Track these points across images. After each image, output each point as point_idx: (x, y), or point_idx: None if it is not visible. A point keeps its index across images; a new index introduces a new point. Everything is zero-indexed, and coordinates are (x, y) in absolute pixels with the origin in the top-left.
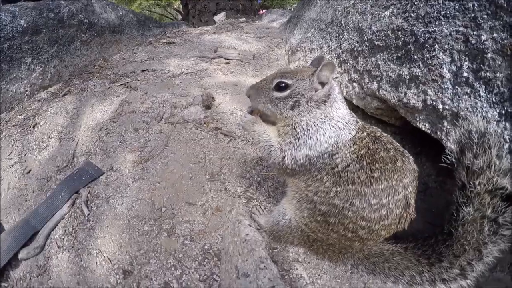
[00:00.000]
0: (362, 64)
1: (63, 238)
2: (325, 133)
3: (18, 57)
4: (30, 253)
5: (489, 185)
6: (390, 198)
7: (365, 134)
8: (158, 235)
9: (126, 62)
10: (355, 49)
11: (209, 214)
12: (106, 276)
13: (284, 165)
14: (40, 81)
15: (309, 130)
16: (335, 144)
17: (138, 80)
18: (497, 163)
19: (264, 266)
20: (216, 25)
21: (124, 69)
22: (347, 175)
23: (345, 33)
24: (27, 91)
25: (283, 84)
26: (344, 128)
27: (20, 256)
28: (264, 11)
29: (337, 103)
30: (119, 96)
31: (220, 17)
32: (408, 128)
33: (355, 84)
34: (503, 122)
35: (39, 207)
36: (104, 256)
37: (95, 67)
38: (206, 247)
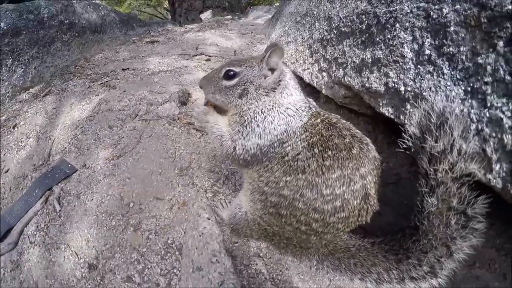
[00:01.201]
0: (330, 53)
1: (35, 234)
2: (273, 120)
3: None
4: (4, 249)
5: (453, 171)
6: (344, 188)
7: (318, 120)
8: (125, 230)
9: (108, 61)
10: (324, 38)
11: (175, 208)
12: (72, 270)
13: (236, 155)
14: (21, 82)
15: (256, 117)
16: (285, 131)
17: (118, 79)
18: (463, 146)
19: (216, 259)
20: (201, 23)
21: (105, 68)
22: (297, 164)
23: (317, 23)
24: (8, 92)
25: (232, 73)
26: (294, 115)
27: None
28: (250, 8)
29: (288, 89)
30: (98, 95)
31: (206, 15)
32: (380, 118)
33: (324, 74)
34: (469, 100)
35: (15, 204)
36: (72, 251)
37: (76, 67)
38: (169, 241)
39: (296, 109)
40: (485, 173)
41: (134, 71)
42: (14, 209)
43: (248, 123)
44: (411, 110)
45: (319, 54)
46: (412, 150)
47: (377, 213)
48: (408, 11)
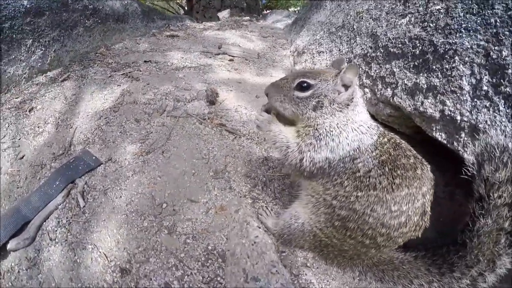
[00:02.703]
0: (375, 70)
1: (56, 230)
2: (348, 136)
3: (18, 38)
4: (20, 244)
5: (508, 198)
6: (410, 205)
7: (385, 139)
8: (158, 232)
9: (128, 51)
10: (368, 54)
11: (212, 212)
12: (102, 274)
13: (302, 167)
14: (39, 64)
15: (332, 132)
16: (357, 148)
17: (140, 71)
18: None
19: (276, 271)
20: (220, 21)
21: (126, 58)
22: (369, 180)
23: (358, 38)
24: (25, 73)
25: (305, 84)
26: (366, 133)
27: (8, 246)
28: (268, 11)
29: (359, 107)
30: (120, 85)
31: (224, 14)
32: (417, 138)
33: (366, 90)
34: None
35: (32, 195)
36: (100, 252)
37: (97, 54)
38: (209, 247)
39: (368, 126)
40: None
41: (157, 64)
42: (31, 200)
43: (324, 136)
44: (466, 138)
45: (360, 69)
46: (468, 175)
47: None
48: (468, 46)
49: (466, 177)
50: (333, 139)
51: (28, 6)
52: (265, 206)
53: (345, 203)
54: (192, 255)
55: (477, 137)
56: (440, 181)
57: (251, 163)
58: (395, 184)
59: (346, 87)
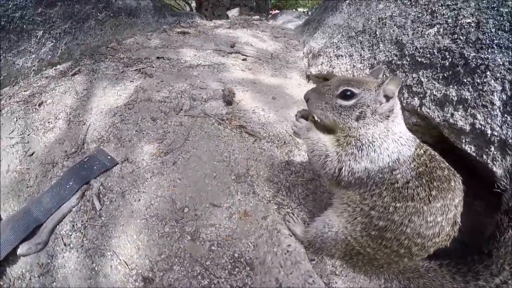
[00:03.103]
0: (401, 79)
1: (71, 235)
2: (389, 147)
3: (29, 29)
4: (31, 249)
5: None
6: (444, 216)
7: (422, 151)
8: (181, 238)
9: (140, 47)
10: (393, 62)
11: (236, 218)
12: (123, 283)
13: (340, 176)
14: (49, 57)
15: (374, 142)
16: (397, 159)
17: (153, 67)
18: None
19: (313, 281)
20: (230, 20)
21: (137, 54)
22: (407, 191)
23: (381, 44)
24: (34, 66)
25: (349, 92)
26: (405, 144)
27: (19, 251)
28: (277, 11)
29: (398, 118)
30: (133, 81)
31: (233, 12)
32: (438, 147)
33: None
34: None
35: (43, 196)
36: (120, 260)
37: (108, 48)
38: (236, 255)
39: (407, 138)
40: None
41: (170, 61)
42: (43, 201)
43: (366, 147)
44: (495, 152)
45: (385, 76)
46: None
47: None
48: (500, 63)
49: (499, 190)
50: (374, 150)
51: None
52: (291, 213)
53: (383, 213)
54: (218, 263)
55: (508, 151)
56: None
57: (273, 167)
58: (431, 195)
59: (388, 98)
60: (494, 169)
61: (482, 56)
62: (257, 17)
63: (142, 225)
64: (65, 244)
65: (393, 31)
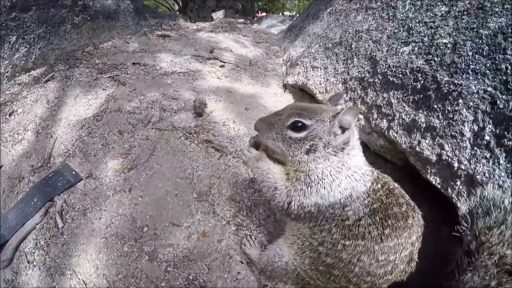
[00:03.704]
0: (371, 97)
1: (34, 252)
2: (340, 184)
3: (2, 34)
4: None
5: (499, 261)
6: (397, 255)
7: (379, 186)
8: (139, 258)
9: (117, 51)
10: (365, 79)
11: (194, 238)
12: None
13: (289, 210)
14: (22, 62)
15: (324, 179)
16: (349, 196)
17: (128, 74)
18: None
19: None
20: (213, 22)
21: (114, 59)
22: (357, 229)
23: (355, 59)
24: (7, 72)
25: (300, 124)
26: (360, 180)
27: None
28: (263, 14)
29: (355, 150)
30: (105, 89)
31: (218, 15)
32: (408, 168)
33: (361, 117)
34: None
35: (9, 213)
36: (79, 279)
37: (84, 53)
38: (191, 277)
39: (362, 173)
40: None
41: (145, 68)
42: (8, 218)
43: (315, 184)
44: (461, 187)
45: (356, 93)
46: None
47: None
48: (474, 90)
49: (458, 234)
50: (324, 187)
51: (13, 0)
52: (249, 235)
53: (331, 250)
54: (173, 285)
55: (472, 189)
56: (427, 216)
57: (237, 185)
58: (384, 234)
59: (344, 129)
60: (459, 204)
61: (456, 81)
62: (242, 20)
63: (102, 244)
64: (28, 262)
65: (368, 45)
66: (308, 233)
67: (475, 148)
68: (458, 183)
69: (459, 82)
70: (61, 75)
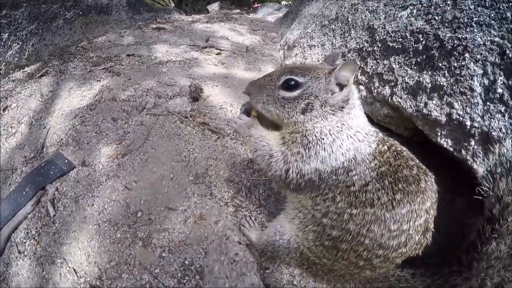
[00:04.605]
0: (371, 66)
1: (25, 242)
2: (342, 144)
3: None
4: None
5: None
6: (411, 224)
7: (385, 147)
8: (132, 244)
9: (112, 45)
10: (364, 49)
11: (191, 222)
12: None
13: (288, 179)
14: (16, 59)
15: (323, 139)
16: (353, 158)
17: (122, 65)
18: None
19: None
20: (209, 14)
21: (108, 52)
22: (365, 196)
23: (352, 31)
24: (1, 69)
25: (293, 82)
26: (363, 140)
27: None
28: (258, 4)
29: (356, 109)
30: (99, 81)
31: (214, 7)
32: (415, 140)
33: (361, 87)
34: None
35: (1, 203)
36: (70, 267)
37: (78, 48)
38: (186, 262)
39: (366, 133)
40: None
41: (140, 58)
42: (1, 209)
43: (313, 145)
44: (476, 147)
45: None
46: (481, 193)
47: None
48: (481, 42)
49: (480, 196)
50: (324, 148)
51: None
52: (249, 216)
53: (337, 221)
54: (168, 271)
55: (490, 147)
56: (440, 187)
57: (235, 166)
58: (395, 200)
59: (341, 86)
60: (475, 166)
61: (460, 36)
62: (238, 10)
63: (94, 231)
64: (19, 252)
65: (365, 16)
66: (310, 205)
67: (488, 103)
68: (472, 143)
69: (463, 36)
70: (55, 69)
